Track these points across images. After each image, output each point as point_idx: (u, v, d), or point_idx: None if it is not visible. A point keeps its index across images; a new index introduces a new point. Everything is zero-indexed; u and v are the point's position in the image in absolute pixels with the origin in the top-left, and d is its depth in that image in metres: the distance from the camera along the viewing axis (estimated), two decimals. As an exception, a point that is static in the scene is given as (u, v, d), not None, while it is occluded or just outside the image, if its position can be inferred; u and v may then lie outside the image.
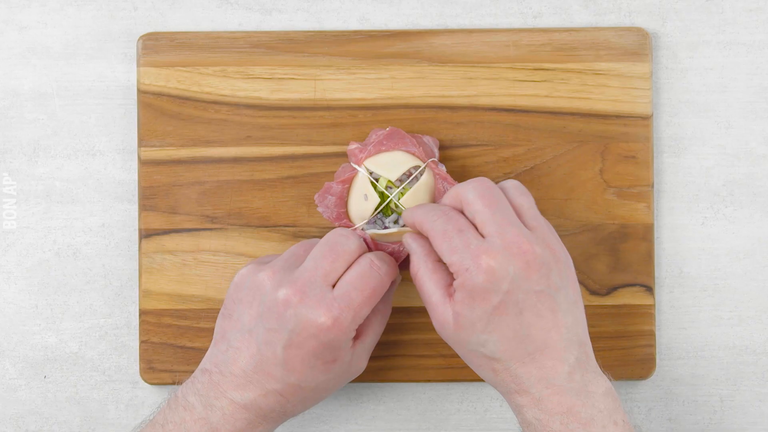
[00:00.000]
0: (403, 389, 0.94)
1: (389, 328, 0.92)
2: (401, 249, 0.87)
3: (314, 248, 0.83)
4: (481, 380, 0.92)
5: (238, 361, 0.82)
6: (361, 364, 0.85)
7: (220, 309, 0.91)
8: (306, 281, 0.81)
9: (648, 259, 0.92)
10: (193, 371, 0.91)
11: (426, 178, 0.87)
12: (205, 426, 0.82)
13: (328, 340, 0.80)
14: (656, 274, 0.93)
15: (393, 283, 0.86)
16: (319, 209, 0.89)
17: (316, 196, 0.89)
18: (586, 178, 0.92)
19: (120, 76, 0.94)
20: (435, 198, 0.88)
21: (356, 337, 0.84)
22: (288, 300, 0.81)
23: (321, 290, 0.81)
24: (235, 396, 0.82)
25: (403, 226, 0.86)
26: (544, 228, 0.80)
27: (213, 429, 0.82)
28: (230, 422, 0.82)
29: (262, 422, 0.83)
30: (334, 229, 0.84)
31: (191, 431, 0.82)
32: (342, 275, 0.82)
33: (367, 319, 0.84)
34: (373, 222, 0.87)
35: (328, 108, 0.92)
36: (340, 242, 0.82)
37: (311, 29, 0.94)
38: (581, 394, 0.78)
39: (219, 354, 0.84)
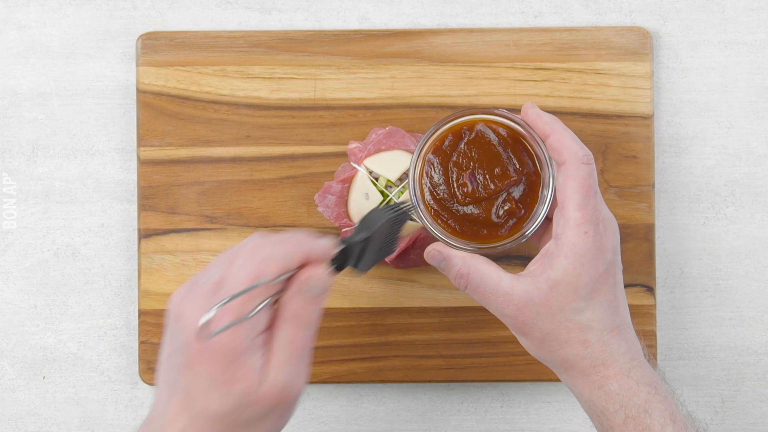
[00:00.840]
0: (404, 390, 0.94)
1: (389, 329, 0.92)
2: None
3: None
4: (481, 381, 0.92)
5: (159, 402, 0.74)
6: (282, 384, 0.73)
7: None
8: (198, 290, 0.73)
9: (649, 259, 0.92)
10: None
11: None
12: None
13: (218, 353, 0.71)
14: (657, 275, 0.93)
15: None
16: (319, 209, 0.89)
17: (316, 196, 0.89)
18: (587, 177, 0.92)
19: (119, 76, 0.94)
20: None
21: (267, 354, 0.73)
22: (179, 314, 0.72)
23: (207, 300, 0.72)
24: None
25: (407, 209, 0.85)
26: None
27: None
28: None
29: None
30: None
31: None
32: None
33: (275, 324, 0.74)
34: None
35: (328, 108, 0.92)
36: (244, 245, 0.75)
37: (311, 29, 0.94)
38: (655, 372, 0.80)
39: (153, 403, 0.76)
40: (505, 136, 0.81)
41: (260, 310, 0.72)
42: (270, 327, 0.73)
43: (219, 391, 0.71)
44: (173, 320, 0.73)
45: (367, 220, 0.79)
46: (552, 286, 0.78)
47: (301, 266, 0.74)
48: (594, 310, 0.78)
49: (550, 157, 0.80)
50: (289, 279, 0.73)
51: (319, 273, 0.74)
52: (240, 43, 0.93)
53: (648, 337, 0.92)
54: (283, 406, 0.73)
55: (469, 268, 0.79)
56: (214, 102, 0.92)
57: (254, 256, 0.72)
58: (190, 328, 0.71)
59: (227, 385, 0.71)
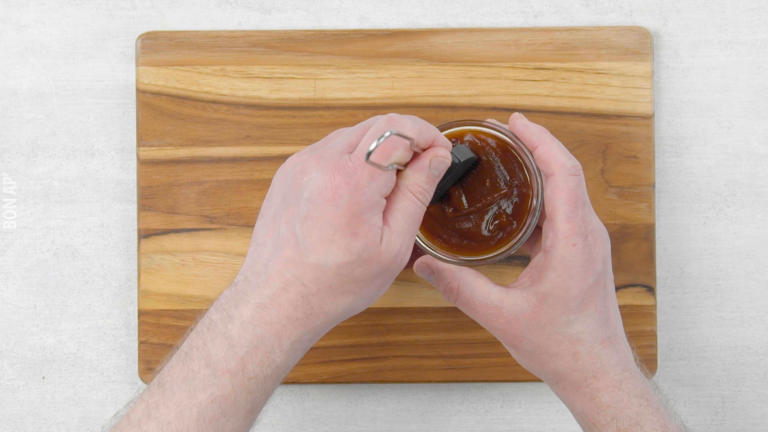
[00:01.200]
0: (404, 390, 0.94)
1: (389, 329, 0.91)
2: None
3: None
4: (481, 381, 0.92)
5: (261, 255, 0.75)
6: (396, 249, 0.74)
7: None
8: (327, 150, 0.74)
9: (649, 259, 0.92)
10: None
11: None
12: (224, 343, 0.73)
13: (345, 203, 0.72)
14: (657, 275, 0.93)
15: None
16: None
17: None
18: (587, 177, 0.92)
19: (119, 76, 0.94)
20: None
21: (385, 219, 0.75)
22: (305, 168, 0.74)
23: (340, 155, 0.73)
24: (254, 298, 0.73)
25: None
26: None
27: (231, 345, 0.73)
28: (249, 332, 0.73)
29: (287, 328, 0.73)
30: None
31: (212, 353, 0.73)
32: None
33: (394, 195, 0.75)
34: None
35: (328, 107, 0.92)
36: (372, 122, 0.76)
37: (311, 28, 0.94)
38: (647, 382, 0.79)
39: (246, 259, 0.76)
40: (495, 146, 0.81)
41: (393, 169, 0.74)
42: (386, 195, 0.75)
43: (341, 242, 0.72)
44: (297, 173, 0.74)
45: (457, 150, 0.79)
46: (541, 299, 0.78)
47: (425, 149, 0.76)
48: (584, 322, 0.78)
49: (538, 168, 0.80)
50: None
51: (446, 153, 0.75)
52: (240, 42, 0.93)
53: (648, 338, 0.92)
54: (390, 273, 0.75)
55: (458, 282, 0.80)
56: (214, 102, 0.92)
57: (394, 121, 0.74)
58: (316, 181, 0.73)
59: (350, 237, 0.72)
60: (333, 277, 0.73)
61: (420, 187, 0.75)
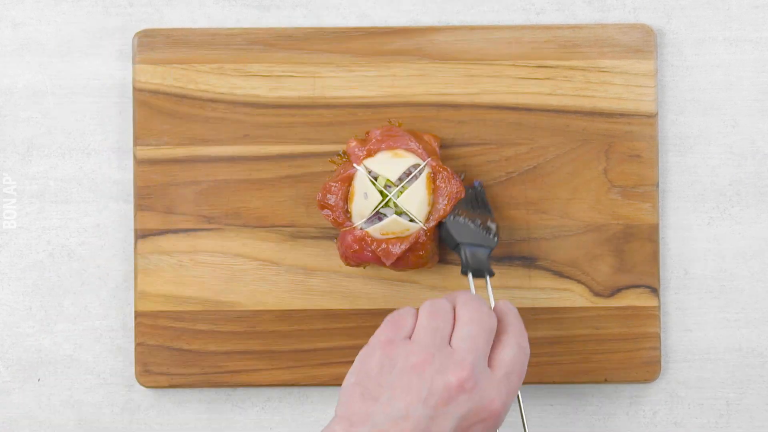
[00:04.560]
0: (404, 392, 0.93)
1: (389, 330, 0.91)
2: (393, 247, 0.86)
3: (459, 323, 0.81)
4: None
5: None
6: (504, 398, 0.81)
7: (219, 311, 0.91)
8: (471, 363, 0.78)
9: (653, 259, 0.92)
10: (190, 374, 0.91)
11: (425, 177, 0.87)
12: None
13: (494, 425, 0.79)
14: (661, 275, 0.93)
15: None
16: (324, 213, 0.88)
17: (317, 199, 0.88)
18: (590, 177, 0.92)
19: (115, 74, 0.94)
20: (435, 196, 0.87)
21: None
22: (462, 386, 0.78)
23: (487, 374, 0.79)
24: None
25: (397, 213, 0.86)
26: None
27: None
28: None
29: None
30: (461, 294, 0.82)
31: None
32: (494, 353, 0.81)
33: None
34: (371, 220, 0.87)
35: (328, 106, 0.92)
36: (482, 311, 0.81)
37: (310, 26, 0.94)
38: None
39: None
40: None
41: None
42: None
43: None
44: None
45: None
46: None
47: None
48: None
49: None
50: None
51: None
52: (238, 40, 0.92)
53: (652, 339, 0.91)
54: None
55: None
56: (212, 100, 0.92)
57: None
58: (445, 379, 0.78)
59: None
60: None
61: None
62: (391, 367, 0.79)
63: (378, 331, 0.81)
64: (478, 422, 0.78)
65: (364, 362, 0.80)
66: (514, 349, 0.80)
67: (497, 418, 0.79)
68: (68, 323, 0.94)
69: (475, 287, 0.86)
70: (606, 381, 0.92)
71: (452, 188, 0.87)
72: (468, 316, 0.80)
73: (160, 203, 0.92)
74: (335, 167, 0.91)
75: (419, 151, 0.87)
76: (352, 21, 0.94)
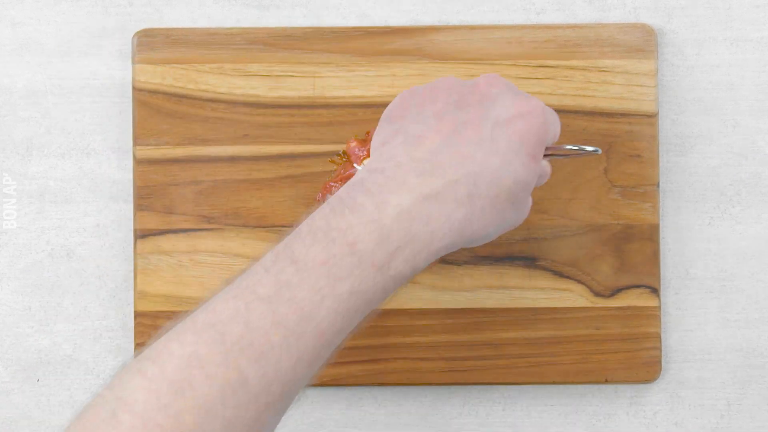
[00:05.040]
0: (404, 393, 0.93)
1: (389, 330, 0.91)
2: None
3: None
4: (482, 384, 0.92)
5: (424, 144, 0.71)
6: (530, 201, 0.77)
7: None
8: (502, 79, 0.76)
9: (653, 260, 0.91)
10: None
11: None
12: (375, 231, 0.67)
13: (537, 124, 0.73)
14: (662, 276, 0.93)
15: None
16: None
17: (317, 199, 0.88)
18: (591, 177, 0.92)
19: (115, 74, 0.94)
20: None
21: None
22: (491, 82, 0.74)
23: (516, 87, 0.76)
24: (417, 186, 0.68)
25: None
26: None
27: (384, 235, 0.68)
28: (404, 224, 0.68)
29: (441, 229, 0.69)
30: None
31: (360, 240, 0.67)
32: None
33: None
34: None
35: (327, 106, 0.92)
36: None
37: (310, 26, 0.94)
38: None
39: (392, 148, 0.71)
40: None
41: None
42: None
43: (524, 158, 0.73)
44: (483, 85, 0.75)
45: None
46: None
47: None
48: None
49: None
50: None
51: None
52: (238, 40, 0.92)
53: (652, 339, 0.91)
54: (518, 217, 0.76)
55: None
56: (212, 100, 0.92)
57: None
58: (511, 97, 0.74)
59: (531, 158, 0.73)
60: (504, 189, 0.72)
61: None
62: (415, 92, 0.76)
63: None
64: (518, 117, 0.73)
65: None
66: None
67: (537, 116, 0.73)
68: (68, 323, 0.93)
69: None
70: (606, 381, 0.92)
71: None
72: None
73: (160, 203, 0.92)
74: (335, 167, 0.91)
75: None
76: (352, 21, 0.94)
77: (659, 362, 0.91)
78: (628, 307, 0.92)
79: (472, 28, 0.93)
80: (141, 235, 0.92)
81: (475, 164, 0.71)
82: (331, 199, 0.70)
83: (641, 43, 0.92)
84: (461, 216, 0.70)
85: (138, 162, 0.92)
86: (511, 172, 0.72)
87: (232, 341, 0.65)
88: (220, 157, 0.92)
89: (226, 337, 0.65)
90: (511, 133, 0.73)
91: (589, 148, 0.80)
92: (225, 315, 0.66)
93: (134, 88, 0.92)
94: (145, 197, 0.92)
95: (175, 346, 0.65)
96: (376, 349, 0.91)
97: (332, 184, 0.88)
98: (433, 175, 0.70)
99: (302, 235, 0.68)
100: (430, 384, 0.92)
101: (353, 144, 0.89)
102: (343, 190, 0.70)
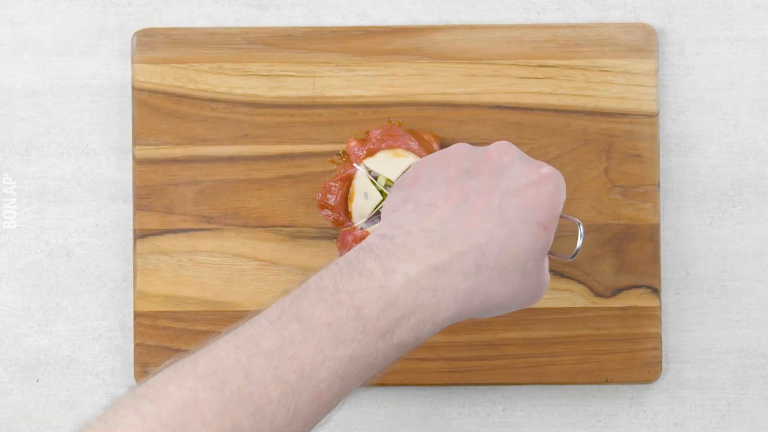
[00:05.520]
0: (404, 393, 0.93)
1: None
2: None
3: None
4: (482, 384, 0.92)
5: (434, 214, 0.71)
6: (547, 280, 0.76)
7: (218, 311, 0.91)
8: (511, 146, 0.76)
9: (654, 260, 0.91)
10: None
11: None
12: (382, 297, 0.68)
13: (549, 193, 0.74)
14: (662, 276, 0.93)
15: None
16: (323, 213, 0.88)
17: (317, 199, 0.88)
18: (591, 177, 0.91)
19: (114, 73, 0.94)
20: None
21: None
22: (503, 150, 0.75)
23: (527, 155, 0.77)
24: (425, 256, 0.69)
25: None
26: None
27: (391, 302, 0.68)
28: (411, 293, 0.69)
29: (447, 300, 0.70)
30: None
31: (365, 305, 0.68)
32: None
33: None
34: (371, 220, 0.87)
35: (327, 106, 0.92)
36: None
37: (310, 25, 0.94)
38: None
39: (402, 216, 0.72)
40: None
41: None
42: None
43: (534, 228, 0.73)
44: (495, 153, 0.75)
45: None
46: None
47: None
48: None
49: None
50: None
51: None
52: (237, 39, 0.92)
53: (653, 340, 0.91)
54: (530, 293, 0.75)
55: None
56: (211, 100, 0.92)
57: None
58: (522, 166, 0.74)
59: (542, 228, 0.73)
60: (512, 260, 0.72)
61: None
62: (428, 160, 0.77)
63: None
64: (529, 185, 0.74)
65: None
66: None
67: (549, 182, 0.74)
68: (67, 323, 0.93)
69: None
70: (607, 382, 0.91)
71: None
72: None
73: (160, 203, 0.92)
74: (335, 167, 0.91)
75: (419, 150, 0.87)
76: (352, 20, 0.94)
77: (660, 362, 0.91)
78: (629, 308, 0.91)
79: (472, 27, 0.92)
80: (140, 235, 0.92)
81: (483, 235, 0.71)
82: (340, 260, 0.70)
83: (642, 42, 0.92)
84: (468, 287, 0.71)
85: (137, 162, 0.92)
86: (520, 243, 0.72)
87: (231, 391, 0.65)
88: (219, 157, 0.92)
89: (225, 386, 0.66)
90: (521, 203, 0.73)
91: (574, 219, 0.80)
92: (226, 363, 0.66)
93: (134, 88, 0.92)
94: (144, 197, 0.92)
95: (174, 388, 0.65)
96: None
97: (332, 183, 0.87)
98: (441, 246, 0.70)
99: (309, 293, 0.69)
100: (430, 384, 0.92)
101: (353, 144, 0.89)
102: (353, 253, 0.71)
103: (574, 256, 0.77)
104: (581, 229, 0.77)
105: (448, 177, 0.74)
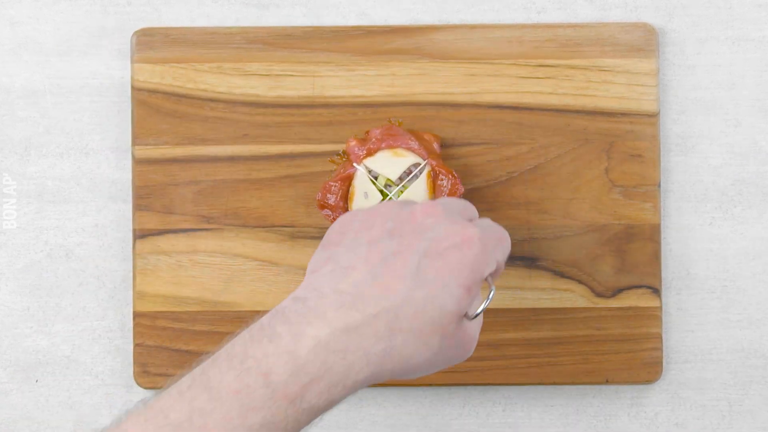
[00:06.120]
0: (404, 393, 0.93)
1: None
2: None
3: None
4: (482, 384, 0.92)
5: (350, 276, 0.70)
6: (474, 337, 0.74)
7: (218, 311, 0.91)
8: (448, 206, 0.74)
9: (654, 260, 0.91)
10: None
11: (426, 176, 0.86)
12: (290, 362, 0.67)
13: (472, 256, 0.71)
14: (663, 276, 0.93)
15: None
16: (323, 213, 0.88)
17: (317, 198, 0.88)
18: (592, 177, 0.91)
19: (114, 73, 0.94)
20: (435, 196, 0.87)
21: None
22: (428, 211, 0.73)
23: (458, 214, 0.74)
24: (335, 319, 0.68)
25: None
26: None
27: (299, 367, 0.67)
28: (320, 357, 0.68)
29: (359, 363, 0.69)
30: None
31: (273, 371, 0.67)
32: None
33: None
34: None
35: (327, 105, 0.92)
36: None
37: (309, 25, 0.94)
38: None
39: (320, 278, 0.71)
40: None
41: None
42: None
43: (454, 291, 0.70)
44: (418, 213, 0.73)
45: None
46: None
47: None
48: None
49: None
50: None
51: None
52: (237, 39, 0.92)
53: (653, 340, 0.91)
54: (454, 355, 0.73)
55: None
56: (211, 100, 0.92)
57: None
58: (445, 225, 0.72)
59: (464, 290, 0.71)
60: (429, 322, 0.70)
61: None
62: (354, 217, 0.75)
63: None
64: (452, 247, 0.71)
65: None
66: (495, 224, 0.76)
67: (472, 245, 0.71)
68: (66, 324, 0.93)
69: None
70: (607, 382, 0.91)
71: (453, 187, 0.86)
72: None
73: (159, 203, 0.92)
74: (335, 167, 0.90)
75: (419, 150, 0.87)
76: (352, 20, 0.94)
77: (660, 363, 0.91)
78: (629, 308, 0.91)
79: (472, 27, 0.92)
80: (140, 235, 0.92)
81: (397, 297, 0.69)
82: (254, 325, 0.70)
83: (642, 42, 0.92)
84: (380, 350, 0.69)
85: (137, 162, 0.92)
86: (438, 305, 0.70)
87: None
88: (219, 157, 0.92)
89: None
90: (441, 265, 0.71)
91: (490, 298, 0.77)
92: None
93: (133, 88, 0.92)
94: (144, 197, 0.92)
95: None
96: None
97: (332, 183, 0.87)
98: (352, 308, 0.69)
99: (219, 361, 0.68)
100: (431, 385, 0.92)
101: (353, 143, 0.88)
102: (266, 318, 0.70)
103: (474, 317, 0.73)
104: (491, 295, 0.74)
105: (370, 238, 0.72)
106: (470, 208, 0.77)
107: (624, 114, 0.92)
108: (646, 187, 0.92)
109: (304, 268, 0.91)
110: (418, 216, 0.73)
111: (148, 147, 0.92)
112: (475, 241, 0.72)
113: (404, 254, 0.71)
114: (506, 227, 0.91)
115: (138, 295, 0.91)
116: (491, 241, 0.73)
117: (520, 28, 0.92)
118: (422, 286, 0.70)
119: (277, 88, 0.92)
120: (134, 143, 0.92)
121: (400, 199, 0.86)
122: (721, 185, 0.93)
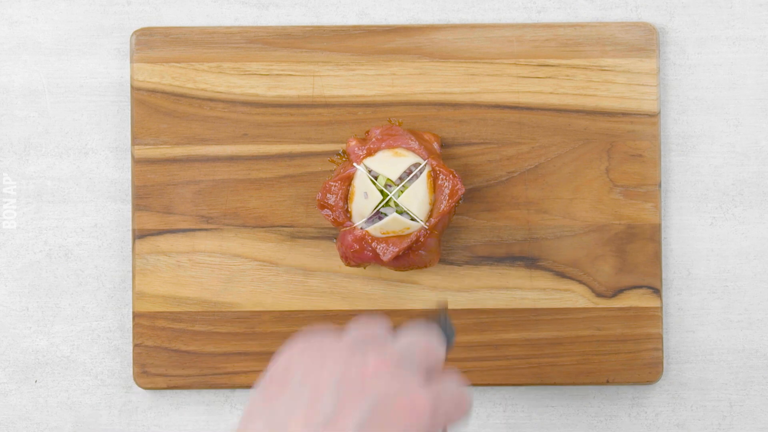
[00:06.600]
0: (404, 394, 0.93)
1: (389, 331, 0.91)
2: (393, 246, 0.86)
3: (408, 329, 0.71)
4: (483, 385, 0.91)
5: None
6: None
7: (217, 311, 0.91)
8: (401, 353, 0.68)
9: (655, 260, 0.91)
10: (189, 375, 0.90)
11: (426, 176, 0.86)
12: None
13: (416, 429, 0.65)
14: (663, 276, 0.92)
15: None
16: (323, 213, 0.88)
17: (317, 198, 0.88)
18: (592, 177, 0.91)
19: (113, 73, 0.94)
20: (435, 195, 0.86)
21: None
22: (380, 366, 0.66)
23: (418, 369, 0.68)
24: None
25: (398, 212, 0.85)
26: None
27: None
28: None
29: None
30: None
31: None
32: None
33: None
34: (371, 219, 0.86)
35: (327, 105, 0.92)
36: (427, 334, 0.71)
37: (309, 24, 0.93)
38: None
39: None
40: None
41: None
42: None
43: None
44: (359, 368, 0.67)
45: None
46: None
47: None
48: None
49: None
50: None
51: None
52: (236, 39, 0.92)
53: (654, 340, 0.91)
54: None
55: None
56: (210, 99, 0.92)
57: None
58: (387, 386, 0.66)
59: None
60: None
61: None
62: (301, 352, 0.69)
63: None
64: (397, 414, 0.65)
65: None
66: (456, 378, 0.70)
67: (420, 418, 0.66)
68: (65, 324, 0.93)
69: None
70: (608, 382, 0.91)
71: (453, 187, 0.86)
72: (408, 332, 0.71)
73: (158, 203, 0.92)
74: (335, 167, 0.90)
75: (419, 150, 0.87)
76: (352, 19, 0.94)
77: (661, 363, 0.91)
78: (630, 308, 0.91)
79: (472, 26, 0.92)
80: (139, 235, 0.91)
81: None
82: None
83: (643, 42, 0.92)
84: None
85: (136, 161, 0.91)
86: None
87: None
88: (219, 157, 0.92)
89: None
90: None
91: None
92: None
93: (132, 87, 0.92)
94: (143, 197, 0.91)
95: None
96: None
97: (332, 183, 0.87)
98: None
99: None
100: (431, 385, 0.91)
101: (353, 143, 0.88)
102: None
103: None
104: None
105: (313, 388, 0.66)
106: (436, 352, 0.70)
107: (624, 114, 0.92)
108: (647, 187, 0.91)
109: (303, 268, 0.91)
110: (370, 369, 0.67)
111: (148, 147, 0.92)
112: (423, 412, 0.66)
113: (346, 417, 0.65)
114: (506, 227, 0.91)
115: (137, 296, 0.91)
116: (444, 408, 0.68)
117: (520, 28, 0.92)
118: None
119: (277, 87, 0.92)
120: (133, 143, 0.92)
121: (401, 197, 0.85)
122: (722, 185, 0.93)
